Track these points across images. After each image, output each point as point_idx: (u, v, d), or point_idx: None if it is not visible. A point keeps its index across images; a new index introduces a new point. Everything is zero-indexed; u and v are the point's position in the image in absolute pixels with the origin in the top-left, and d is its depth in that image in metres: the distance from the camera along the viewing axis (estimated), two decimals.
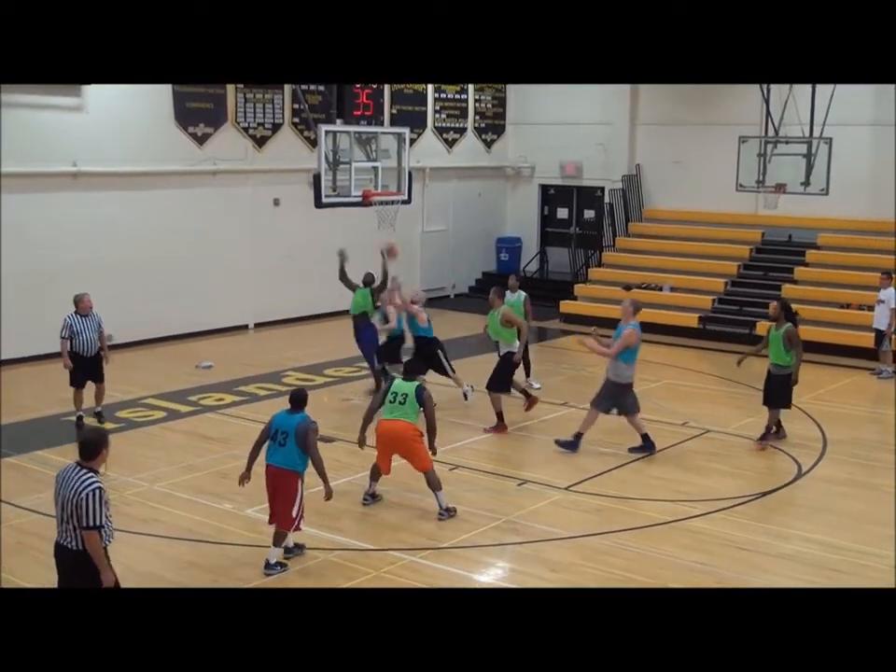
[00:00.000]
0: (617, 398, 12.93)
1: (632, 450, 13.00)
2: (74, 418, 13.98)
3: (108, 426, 14.01)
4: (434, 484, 10.81)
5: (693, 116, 22.92)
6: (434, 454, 10.83)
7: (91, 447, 7.01)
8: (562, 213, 26.67)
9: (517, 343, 13.99)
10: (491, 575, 9.85)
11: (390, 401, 10.74)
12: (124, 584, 9.20)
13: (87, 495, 6.82)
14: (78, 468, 6.99)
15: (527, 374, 15.89)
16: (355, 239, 22.48)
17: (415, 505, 11.21)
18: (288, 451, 9.35)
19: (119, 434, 13.70)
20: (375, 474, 11.16)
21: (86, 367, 13.90)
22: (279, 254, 21.41)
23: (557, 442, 13.08)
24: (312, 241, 21.76)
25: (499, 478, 12.28)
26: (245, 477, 9.69)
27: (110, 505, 7.03)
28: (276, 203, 21.42)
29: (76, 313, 13.88)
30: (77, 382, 13.97)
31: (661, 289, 22.12)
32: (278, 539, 9.51)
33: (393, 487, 11.63)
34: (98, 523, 6.87)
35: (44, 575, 9.30)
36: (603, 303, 21.49)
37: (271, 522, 9.61)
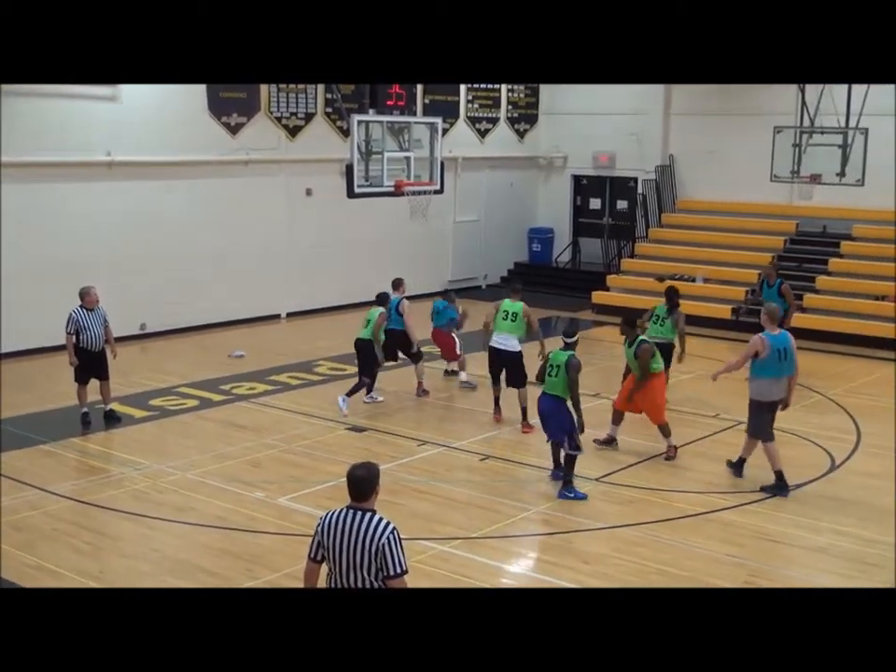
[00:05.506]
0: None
1: (764, 489, 11.57)
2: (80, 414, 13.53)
3: (141, 413, 14.14)
4: None
5: (728, 106, 22.73)
6: None
7: (367, 486, 5.99)
8: (594, 203, 26.56)
9: None
10: (522, 566, 9.85)
11: None
12: (159, 572, 9.30)
13: (387, 540, 5.83)
14: (359, 513, 5.94)
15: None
16: (387, 229, 22.64)
17: (445, 494, 11.23)
18: None
19: (153, 422, 13.82)
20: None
21: (92, 363, 13.40)
22: (311, 244, 21.44)
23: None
24: (344, 231, 21.81)
25: (530, 468, 12.26)
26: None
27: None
28: (309, 192, 21.44)
29: (81, 307, 13.32)
30: (80, 378, 13.46)
31: (694, 280, 22.00)
32: None
33: (423, 477, 11.67)
34: (406, 568, 5.92)
35: (77, 561, 9.43)
36: (636, 294, 21.40)
37: None
